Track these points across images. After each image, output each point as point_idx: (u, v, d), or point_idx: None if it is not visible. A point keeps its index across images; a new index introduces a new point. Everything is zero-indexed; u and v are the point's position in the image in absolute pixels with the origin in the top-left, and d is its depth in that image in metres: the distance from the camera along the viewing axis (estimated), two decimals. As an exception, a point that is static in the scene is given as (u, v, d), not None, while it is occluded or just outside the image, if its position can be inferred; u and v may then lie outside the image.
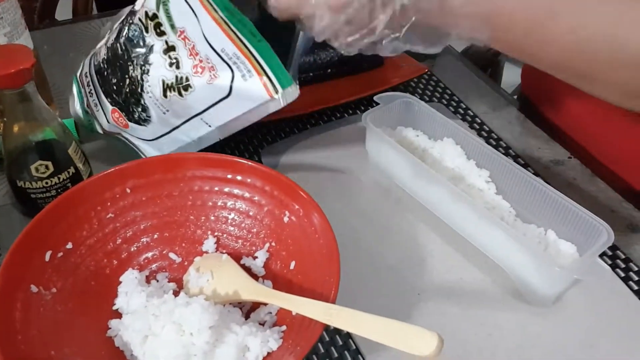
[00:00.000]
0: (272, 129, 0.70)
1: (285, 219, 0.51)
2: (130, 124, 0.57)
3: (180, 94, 0.53)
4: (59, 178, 0.54)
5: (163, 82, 0.53)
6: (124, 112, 0.57)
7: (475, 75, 0.81)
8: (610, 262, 0.56)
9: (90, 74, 0.59)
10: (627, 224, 0.60)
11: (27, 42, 0.63)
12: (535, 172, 0.65)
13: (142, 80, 0.54)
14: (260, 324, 0.47)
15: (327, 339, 0.49)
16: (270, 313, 0.48)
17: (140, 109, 0.56)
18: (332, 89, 0.75)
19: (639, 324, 0.51)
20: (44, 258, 0.46)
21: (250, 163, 0.53)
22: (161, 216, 0.53)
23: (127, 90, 0.55)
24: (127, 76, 0.55)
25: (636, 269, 0.55)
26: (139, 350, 0.45)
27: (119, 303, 0.48)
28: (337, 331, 0.50)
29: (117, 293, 0.49)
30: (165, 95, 0.54)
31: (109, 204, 0.51)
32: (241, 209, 0.53)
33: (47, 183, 0.54)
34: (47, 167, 0.53)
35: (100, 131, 0.62)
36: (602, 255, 0.56)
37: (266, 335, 0.45)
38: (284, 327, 0.46)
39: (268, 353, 0.44)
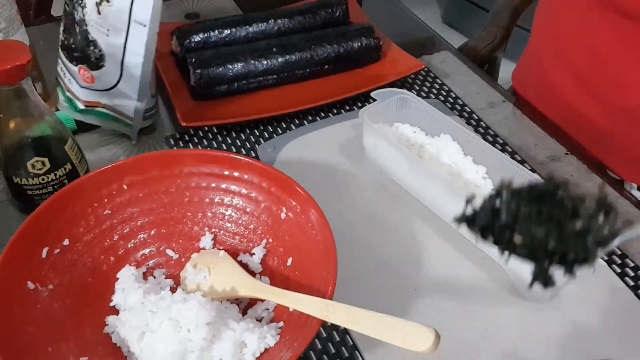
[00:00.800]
0: (269, 125, 0.70)
1: (282, 215, 0.51)
2: (93, 73, 0.63)
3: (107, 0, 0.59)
4: (55, 174, 0.54)
5: (94, 3, 0.59)
6: (85, 62, 0.62)
7: (472, 72, 0.81)
8: (606, 258, 0.56)
9: (60, 57, 0.66)
10: (623, 221, 0.60)
11: (23, 38, 0.63)
12: (532, 169, 0.65)
13: (84, 15, 0.60)
14: (257, 320, 0.48)
15: (324, 335, 0.50)
16: (268, 309, 0.48)
17: (92, 47, 0.61)
18: (329, 85, 0.75)
19: (635, 320, 0.51)
20: (40, 255, 0.46)
21: (247, 159, 0.53)
22: (158, 212, 0.53)
23: (79, 36, 0.61)
24: (75, 24, 0.61)
25: (632, 264, 0.55)
26: (136, 346, 0.45)
27: (116, 299, 0.48)
28: (334, 327, 0.50)
29: (114, 289, 0.49)
30: (99, 12, 0.59)
31: (105, 200, 0.51)
32: (238, 206, 0.53)
33: (43, 179, 0.54)
34: (43, 163, 0.53)
35: (82, 106, 0.65)
36: (598, 251, 0.56)
37: (263, 331, 0.45)
38: (281, 323, 0.46)
39: (265, 349, 0.44)
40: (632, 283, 0.54)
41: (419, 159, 0.56)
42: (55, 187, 0.54)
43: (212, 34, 0.74)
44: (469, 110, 0.74)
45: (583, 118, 0.71)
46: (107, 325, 0.47)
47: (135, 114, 0.65)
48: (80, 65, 0.63)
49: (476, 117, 0.72)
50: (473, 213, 0.36)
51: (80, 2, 0.60)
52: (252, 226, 0.53)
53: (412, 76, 0.79)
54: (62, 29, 0.64)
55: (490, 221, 0.35)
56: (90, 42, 0.61)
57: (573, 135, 0.73)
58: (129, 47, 0.61)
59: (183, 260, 0.52)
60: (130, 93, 0.64)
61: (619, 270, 0.55)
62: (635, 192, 0.71)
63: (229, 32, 0.75)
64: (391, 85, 0.73)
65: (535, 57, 0.80)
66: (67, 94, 0.67)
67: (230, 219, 0.54)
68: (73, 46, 0.63)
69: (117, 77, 0.63)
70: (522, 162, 0.66)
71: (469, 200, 0.36)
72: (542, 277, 0.35)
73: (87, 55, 0.62)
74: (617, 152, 0.70)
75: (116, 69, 0.62)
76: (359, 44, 0.76)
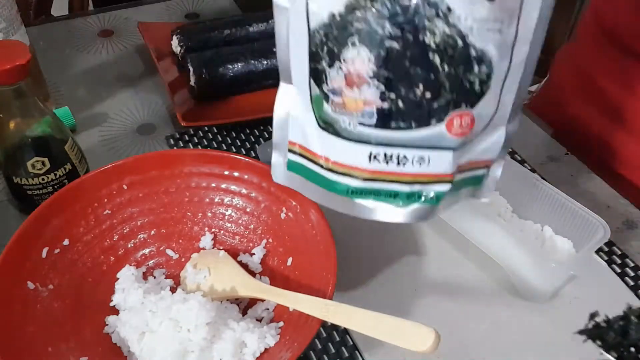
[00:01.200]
0: (269, 124, 0.70)
1: (283, 216, 0.51)
2: (473, 112, 0.38)
3: None
4: (55, 174, 0.54)
5: None
6: (462, 101, 0.38)
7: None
8: (606, 258, 0.56)
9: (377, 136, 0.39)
10: (624, 220, 0.60)
11: (23, 38, 0.63)
12: (532, 168, 0.65)
13: (453, 22, 0.35)
14: (257, 320, 0.48)
15: (325, 335, 0.50)
16: (268, 309, 0.48)
17: (477, 66, 0.36)
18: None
19: (635, 320, 0.51)
20: (40, 254, 0.46)
21: (247, 159, 0.53)
22: (158, 212, 0.53)
23: (447, 66, 0.36)
24: (429, 52, 0.36)
25: (632, 264, 0.55)
26: (136, 346, 0.45)
27: (116, 299, 0.48)
28: (335, 327, 0.50)
29: (114, 289, 0.49)
30: None
31: (105, 200, 0.51)
32: (238, 206, 0.53)
33: (43, 179, 0.54)
34: (43, 163, 0.53)
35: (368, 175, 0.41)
36: (599, 251, 0.56)
37: (263, 331, 0.45)
38: (281, 324, 0.46)
39: (265, 349, 0.44)
40: (632, 283, 0.54)
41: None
42: (55, 187, 0.54)
43: (212, 34, 0.74)
44: (469, 110, 0.74)
45: (591, 135, 0.70)
46: (107, 325, 0.47)
47: (504, 146, 0.41)
48: (452, 114, 0.37)
49: (476, 117, 0.72)
50: (598, 328, 0.38)
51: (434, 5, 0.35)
52: (252, 226, 0.53)
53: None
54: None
55: (620, 341, 0.37)
56: (474, 59, 0.36)
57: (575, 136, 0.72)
58: (520, 35, 0.37)
59: (183, 260, 0.52)
60: (504, 114, 0.40)
61: (619, 270, 0.55)
62: None
63: (229, 32, 0.75)
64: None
65: (557, 89, 0.79)
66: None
67: (230, 219, 0.54)
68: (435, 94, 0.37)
69: (497, 100, 0.39)
70: (522, 162, 0.66)
71: (593, 315, 0.37)
72: None
73: (464, 87, 0.37)
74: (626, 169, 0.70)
75: (495, 96, 0.38)
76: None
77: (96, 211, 0.51)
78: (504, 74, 0.38)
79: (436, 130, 0.38)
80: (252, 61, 0.71)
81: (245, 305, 0.49)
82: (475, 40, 0.35)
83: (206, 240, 0.53)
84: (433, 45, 0.36)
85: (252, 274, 0.51)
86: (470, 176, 0.42)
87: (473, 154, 0.41)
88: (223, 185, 0.53)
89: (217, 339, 0.44)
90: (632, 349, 0.36)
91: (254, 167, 0.52)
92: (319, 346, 0.49)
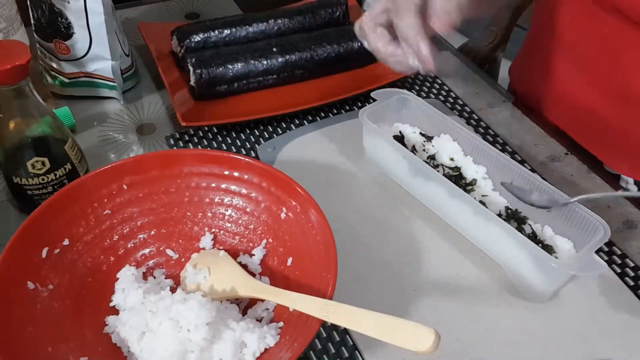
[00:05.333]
0: (269, 125, 0.70)
1: (282, 215, 0.51)
2: (67, 44, 0.67)
3: None
4: (55, 174, 0.54)
5: None
6: (58, 35, 0.67)
7: (473, 72, 0.81)
8: (606, 258, 0.56)
9: (37, 41, 0.70)
10: (624, 220, 0.60)
11: (23, 38, 0.63)
12: (532, 169, 0.65)
13: None
14: (257, 320, 0.48)
15: (325, 335, 0.50)
16: (268, 309, 0.48)
17: (60, 18, 0.66)
18: (329, 85, 0.75)
19: (635, 320, 0.51)
20: (40, 255, 0.46)
21: (247, 159, 0.53)
22: (158, 212, 0.53)
23: (47, 12, 0.66)
24: (41, 2, 0.65)
25: (632, 265, 0.55)
26: (136, 346, 0.45)
27: (116, 299, 0.48)
28: (334, 327, 0.50)
29: (114, 290, 0.49)
30: None
31: (105, 200, 0.51)
32: (238, 206, 0.53)
33: (43, 179, 0.54)
34: (43, 163, 0.53)
35: (66, 79, 0.70)
36: (599, 251, 0.56)
37: (263, 331, 0.45)
38: (281, 324, 0.46)
39: (265, 349, 0.44)
40: (632, 283, 0.54)
41: (419, 159, 0.56)
42: (55, 187, 0.54)
43: (212, 34, 0.74)
44: (469, 110, 0.74)
45: (583, 108, 0.71)
46: (107, 325, 0.47)
47: (114, 73, 0.70)
48: (54, 40, 0.67)
49: (476, 117, 0.72)
50: None
51: None
52: (252, 226, 0.53)
53: (412, 76, 0.79)
54: (31, 13, 0.68)
55: None
56: (57, 13, 0.65)
57: (572, 128, 0.73)
58: (90, 8, 0.65)
59: (183, 260, 0.52)
60: (104, 54, 0.68)
61: (619, 270, 0.55)
62: (631, 187, 0.71)
63: (229, 32, 0.75)
64: (391, 85, 0.73)
65: (535, 48, 0.80)
66: (52, 72, 0.71)
67: (230, 219, 0.54)
68: (44, 24, 0.67)
69: (88, 41, 0.67)
70: (522, 162, 0.66)
71: None
72: None
73: (57, 27, 0.66)
74: (616, 144, 0.70)
75: (85, 34, 0.67)
76: (359, 44, 0.75)
77: (96, 211, 0.51)
78: (85, 27, 0.66)
79: None
80: (252, 61, 0.71)
81: (245, 305, 0.49)
82: (55, 2, 0.65)
83: (206, 240, 0.53)
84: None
85: (252, 274, 0.51)
86: (95, 82, 0.71)
87: (84, 68, 0.70)
88: (223, 185, 0.53)
89: (217, 339, 0.44)
90: None
91: (254, 167, 0.52)
92: (319, 346, 0.49)
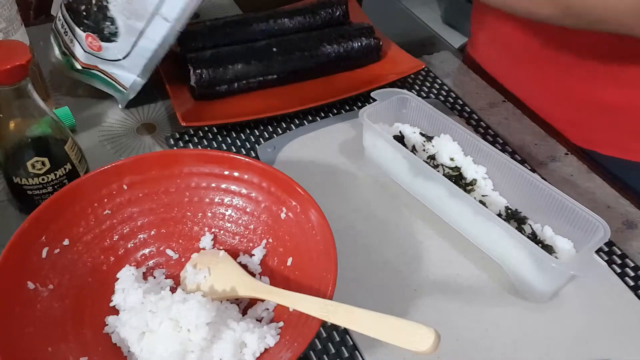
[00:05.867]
0: (269, 125, 0.70)
1: (282, 215, 0.51)
2: (102, 44, 0.66)
3: None
4: (55, 174, 0.54)
5: None
6: (96, 32, 0.66)
7: (472, 72, 0.81)
8: (606, 258, 0.56)
9: (63, 15, 0.69)
10: (624, 220, 0.60)
11: (23, 38, 0.63)
12: (532, 169, 0.65)
13: None
14: (257, 320, 0.48)
15: (325, 335, 0.50)
16: (268, 309, 0.48)
17: (108, 23, 0.64)
18: (329, 85, 0.75)
19: (635, 320, 0.51)
20: (40, 255, 0.46)
21: (247, 159, 0.53)
22: (158, 212, 0.53)
23: (95, 9, 0.64)
24: None
25: (632, 264, 0.55)
26: (136, 346, 0.45)
27: (116, 300, 0.48)
28: (335, 327, 0.50)
29: (114, 290, 0.49)
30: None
31: (105, 200, 0.51)
32: (238, 206, 0.53)
33: (43, 179, 0.54)
34: (43, 163, 0.53)
35: (79, 66, 0.69)
36: (599, 251, 0.56)
37: (263, 331, 0.45)
38: (281, 324, 0.46)
39: (265, 349, 0.44)
40: (632, 283, 0.54)
41: (419, 159, 0.56)
42: (55, 187, 0.54)
43: (212, 34, 0.74)
44: (469, 110, 0.74)
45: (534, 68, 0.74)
46: (107, 325, 0.47)
47: (133, 85, 0.69)
48: (88, 33, 0.66)
49: (476, 117, 0.72)
50: None
51: None
52: (252, 226, 0.53)
53: (412, 76, 0.79)
54: None
55: None
56: (108, 18, 0.64)
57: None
58: (147, 34, 0.64)
59: (183, 260, 0.52)
60: (133, 69, 0.67)
61: (619, 270, 0.55)
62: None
63: (229, 32, 0.75)
64: (391, 85, 0.73)
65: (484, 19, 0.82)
66: (64, 49, 0.70)
67: (230, 219, 0.54)
68: (84, 13, 0.65)
69: (125, 53, 0.66)
70: (522, 162, 0.66)
71: None
72: None
73: (101, 28, 0.65)
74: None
75: (126, 47, 0.65)
76: (359, 44, 0.76)
77: (96, 211, 0.51)
78: (131, 43, 0.65)
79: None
80: (252, 61, 0.71)
81: (245, 305, 0.49)
82: (112, 9, 0.63)
83: (206, 241, 0.53)
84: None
85: (252, 274, 0.51)
86: (107, 80, 0.70)
87: (104, 66, 0.68)
88: (223, 185, 0.53)
89: (217, 339, 0.44)
90: None
91: (254, 167, 0.52)
92: (319, 346, 0.49)
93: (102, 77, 0.69)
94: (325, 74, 0.76)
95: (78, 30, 0.66)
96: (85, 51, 0.67)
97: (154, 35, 0.63)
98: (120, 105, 0.71)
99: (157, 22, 0.63)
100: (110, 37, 0.65)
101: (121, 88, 0.69)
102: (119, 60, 0.67)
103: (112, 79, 0.69)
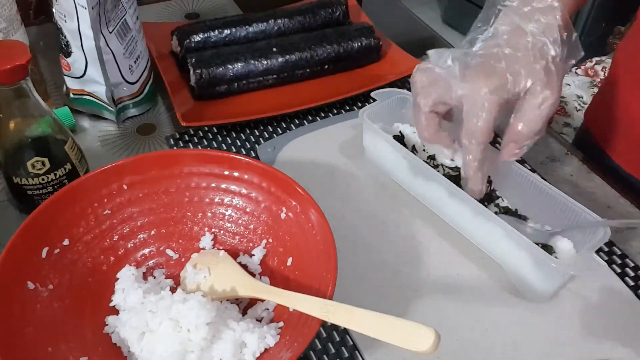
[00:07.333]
0: (269, 125, 0.70)
1: (282, 215, 0.51)
2: (68, 61, 0.65)
3: None
4: (55, 174, 0.54)
5: None
6: (61, 51, 0.65)
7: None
8: (606, 258, 0.56)
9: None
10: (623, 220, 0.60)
11: (23, 38, 0.63)
12: (532, 169, 0.65)
13: (54, 3, 0.61)
14: (257, 320, 0.48)
15: (325, 334, 0.50)
16: (268, 309, 0.48)
17: (61, 35, 0.63)
18: (329, 85, 0.75)
19: (635, 320, 0.51)
20: (40, 255, 0.46)
21: (247, 159, 0.53)
22: (158, 212, 0.53)
23: (56, 26, 0.63)
24: (52, 14, 0.63)
25: (632, 265, 0.55)
26: (136, 346, 0.45)
27: (116, 300, 0.48)
28: (335, 327, 0.50)
29: (114, 290, 0.49)
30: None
31: (105, 200, 0.51)
32: (238, 206, 0.53)
33: (43, 179, 0.54)
34: (43, 163, 0.53)
35: (72, 94, 0.68)
36: (599, 251, 0.56)
37: (263, 331, 0.45)
38: (281, 324, 0.46)
39: (265, 349, 0.44)
40: (632, 283, 0.54)
41: (419, 159, 0.56)
42: (55, 187, 0.54)
43: (212, 34, 0.74)
44: (469, 110, 0.73)
45: None
46: (107, 325, 0.47)
47: (107, 98, 0.67)
48: (60, 54, 0.66)
49: (476, 117, 0.72)
50: None
51: None
52: (252, 226, 0.53)
53: (412, 76, 0.78)
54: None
55: None
56: (58, 29, 0.63)
57: None
58: (82, 31, 0.61)
59: (183, 260, 0.52)
60: (98, 79, 0.65)
61: (619, 270, 0.55)
62: None
63: (229, 32, 0.75)
64: (391, 85, 0.73)
65: (614, 88, 0.72)
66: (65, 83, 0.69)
67: (230, 219, 0.54)
68: (56, 36, 0.65)
69: (84, 62, 0.64)
70: (522, 162, 0.66)
71: None
72: None
73: (60, 43, 0.64)
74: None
75: (81, 55, 0.64)
76: (359, 44, 0.76)
77: (96, 211, 0.51)
78: (80, 48, 0.63)
79: None
80: (252, 61, 0.71)
81: (245, 306, 0.49)
82: (57, 18, 0.62)
83: (206, 241, 0.53)
84: None
85: (252, 274, 0.51)
86: (87, 99, 0.68)
87: (85, 87, 0.67)
88: (223, 185, 0.53)
89: (217, 339, 0.44)
90: None
91: (254, 167, 0.52)
92: (319, 346, 0.49)
93: (92, 101, 0.68)
94: (325, 74, 0.76)
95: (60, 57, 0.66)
96: (64, 75, 0.67)
97: (86, 29, 0.61)
98: (117, 124, 0.69)
99: (81, 14, 0.60)
100: (67, 50, 0.64)
101: (107, 106, 0.68)
102: (84, 74, 0.65)
103: (97, 98, 0.68)
